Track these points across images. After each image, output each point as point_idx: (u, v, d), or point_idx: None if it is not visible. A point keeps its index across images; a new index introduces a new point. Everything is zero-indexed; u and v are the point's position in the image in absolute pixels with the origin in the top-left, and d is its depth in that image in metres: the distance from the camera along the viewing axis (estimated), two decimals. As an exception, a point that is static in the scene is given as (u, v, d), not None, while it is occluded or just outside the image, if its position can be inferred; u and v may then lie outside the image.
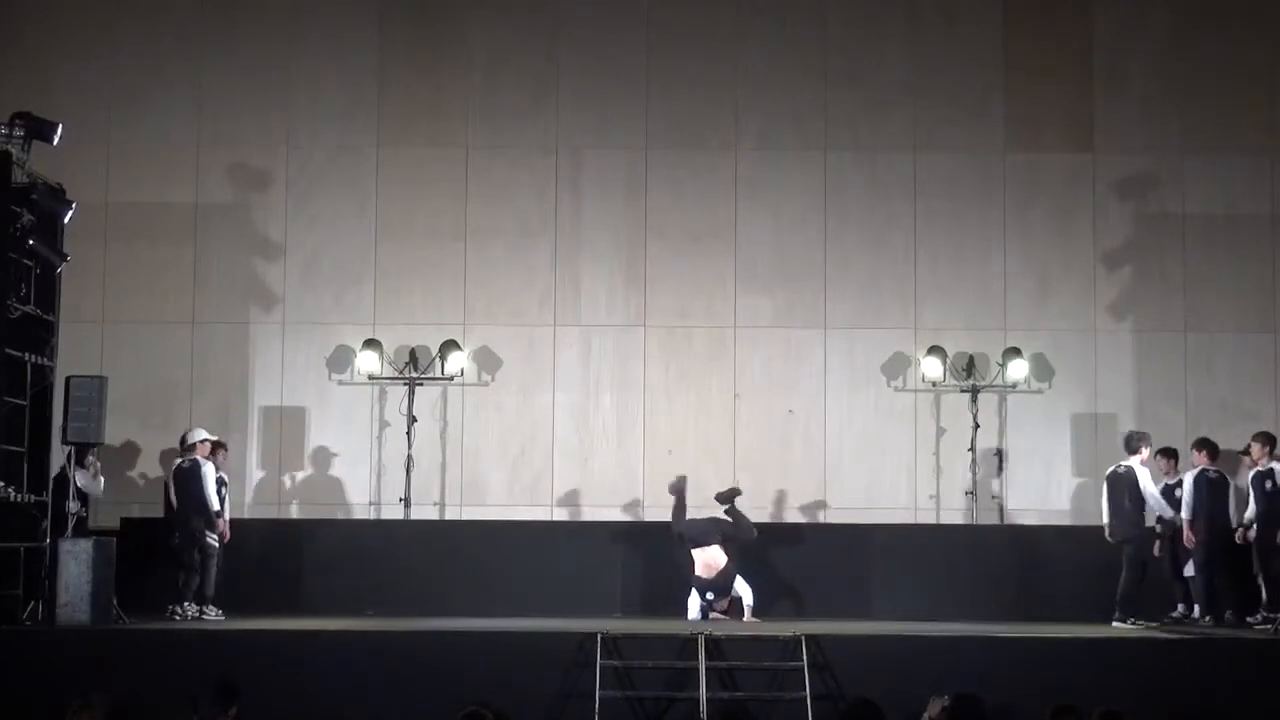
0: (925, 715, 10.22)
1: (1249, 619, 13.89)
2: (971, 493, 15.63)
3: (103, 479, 14.03)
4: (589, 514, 15.67)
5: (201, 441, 14.18)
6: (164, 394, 15.66)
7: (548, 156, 16.16)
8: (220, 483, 14.31)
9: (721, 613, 14.21)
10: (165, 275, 15.91)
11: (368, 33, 16.22)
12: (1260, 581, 14.05)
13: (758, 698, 11.84)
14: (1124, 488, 13.92)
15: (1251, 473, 13.99)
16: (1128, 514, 13.87)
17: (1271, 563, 13.71)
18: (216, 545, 14.06)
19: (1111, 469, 14.14)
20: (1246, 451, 14.29)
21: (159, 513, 14.69)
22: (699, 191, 16.16)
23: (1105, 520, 14.02)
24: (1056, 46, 16.30)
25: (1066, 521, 15.71)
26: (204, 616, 13.82)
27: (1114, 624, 13.55)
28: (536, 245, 16.08)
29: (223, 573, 14.16)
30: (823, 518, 15.71)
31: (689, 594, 14.27)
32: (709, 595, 14.19)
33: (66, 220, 13.96)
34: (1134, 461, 13.98)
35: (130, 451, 15.48)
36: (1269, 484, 13.77)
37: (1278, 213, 16.16)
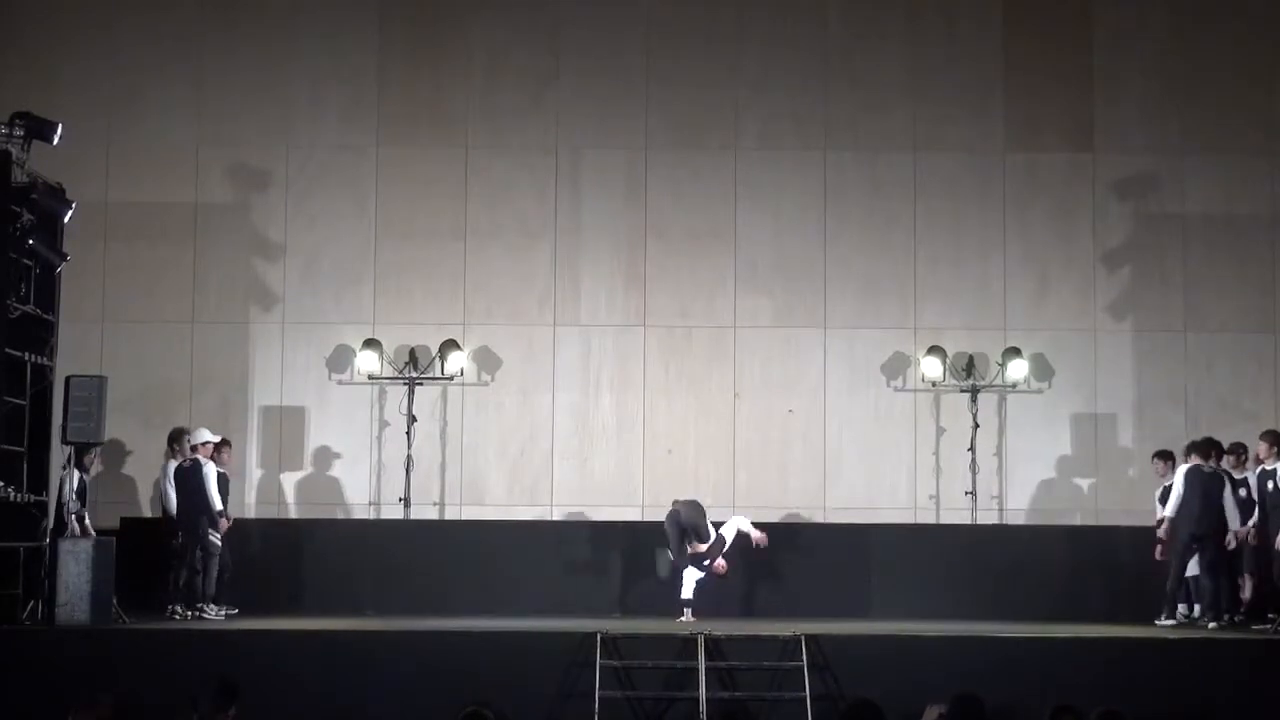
0: None
1: (1236, 619, 13.87)
2: (971, 493, 15.63)
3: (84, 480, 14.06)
4: (589, 514, 15.66)
5: (204, 443, 14.21)
6: (164, 394, 15.65)
7: (548, 156, 16.16)
8: (224, 480, 14.36)
9: (721, 574, 14.18)
10: (165, 275, 15.91)
11: (368, 33, 16.22)
12: (1245, 581, 14.08)
13: (758, 698, 11.86)
14: (1214, 488, 13.75)
15: (1256, 472, 13.97)
16: (1208, 514, 13.74)
17: (1271, 564, 13.69)
18: (219, 544, 14.08)
19: (1193, 466, 13.80)
20: (1232, 451, 14.26)
21: (157, 512, 14.76)
22: (699, 191, 16.15)
23: (1172, 514, 13.79)
24: (1056, 46, 16.30)
25: (1066, 521, 15.71)
26: (204, 615, 13.83)
27: (1210, 625, 13.50)
28: (536, 245, 16.08)
29: (230, 570, 14.20)
30: (823, 518, 15.70)
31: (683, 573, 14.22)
32: (706, 563, 14.16)
33: (66, 220, 13.96)
34: (1225, 465, 13.91)
35: (130, 451, 15.45)
36: (1271, 484, 13.75)
37: (1278, 213, 16.16)
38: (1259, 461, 13.93)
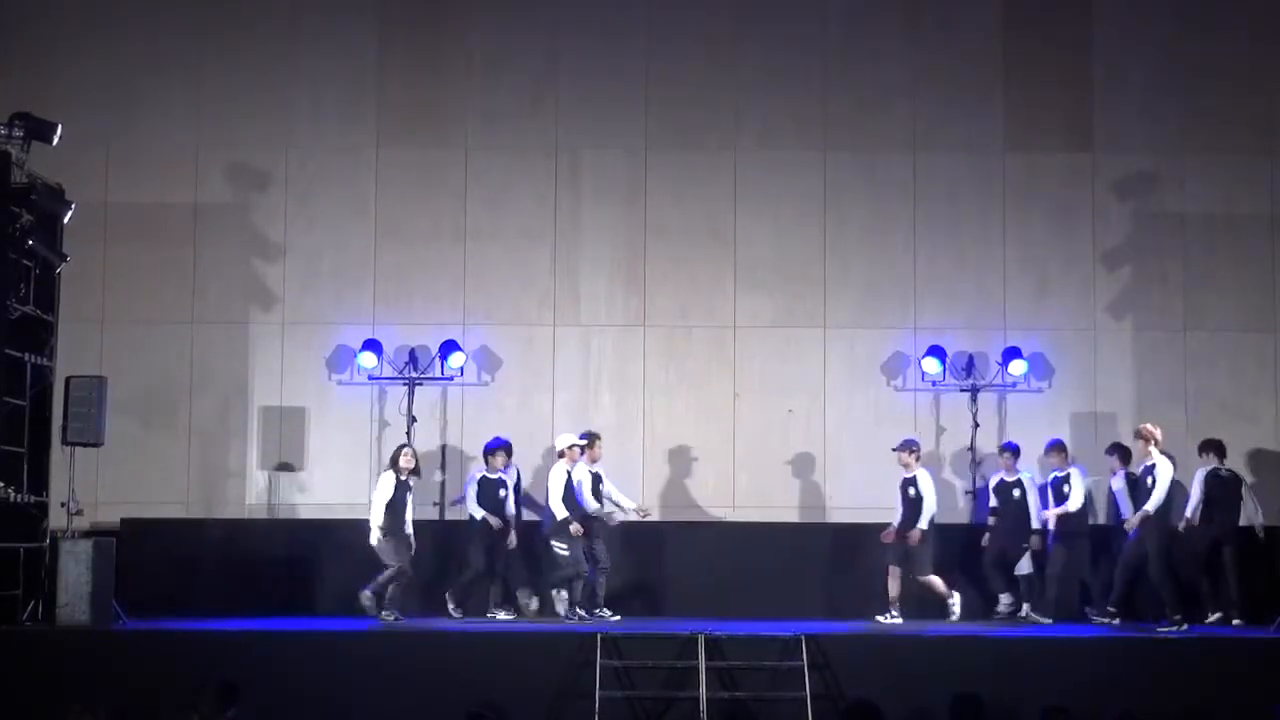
0: None
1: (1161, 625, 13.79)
2: (972, 492, 15.63)
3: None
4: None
5: (570, 447, 14.50)
6: (164, 394, 15.65)
7: (547, 157, 16.14)
8: (597, 479, 14.61)
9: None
10: (165, 275, 15.89)
11: (367, 33, 16.20)
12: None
13: (758, 698, 11.88)
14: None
15: (1201, 471, 14.20)
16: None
17: (1213, 563, 13.89)
18: (563, 550, 14.14)
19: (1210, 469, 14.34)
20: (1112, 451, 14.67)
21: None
22: (699, 191, 16.13)
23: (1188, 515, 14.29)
24: (1056, 46, 16.28)
25: (1066, 521, 15.70)
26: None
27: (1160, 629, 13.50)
28: (536, 246, 16.07)
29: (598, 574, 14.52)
30: (823, 518, 15.69)
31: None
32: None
33: (66, 220, 13.98)
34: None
35: (130, 451, 15.43)
36: (1150, 480, 13.92)
37: (1278, 213, 16.14)
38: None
